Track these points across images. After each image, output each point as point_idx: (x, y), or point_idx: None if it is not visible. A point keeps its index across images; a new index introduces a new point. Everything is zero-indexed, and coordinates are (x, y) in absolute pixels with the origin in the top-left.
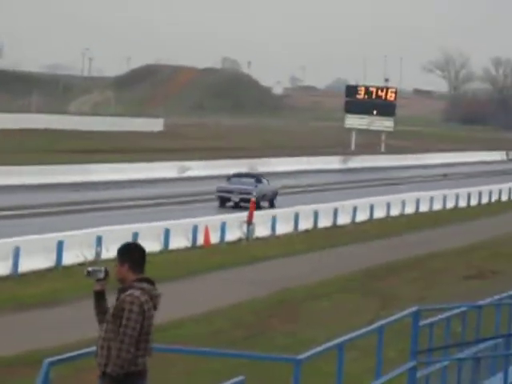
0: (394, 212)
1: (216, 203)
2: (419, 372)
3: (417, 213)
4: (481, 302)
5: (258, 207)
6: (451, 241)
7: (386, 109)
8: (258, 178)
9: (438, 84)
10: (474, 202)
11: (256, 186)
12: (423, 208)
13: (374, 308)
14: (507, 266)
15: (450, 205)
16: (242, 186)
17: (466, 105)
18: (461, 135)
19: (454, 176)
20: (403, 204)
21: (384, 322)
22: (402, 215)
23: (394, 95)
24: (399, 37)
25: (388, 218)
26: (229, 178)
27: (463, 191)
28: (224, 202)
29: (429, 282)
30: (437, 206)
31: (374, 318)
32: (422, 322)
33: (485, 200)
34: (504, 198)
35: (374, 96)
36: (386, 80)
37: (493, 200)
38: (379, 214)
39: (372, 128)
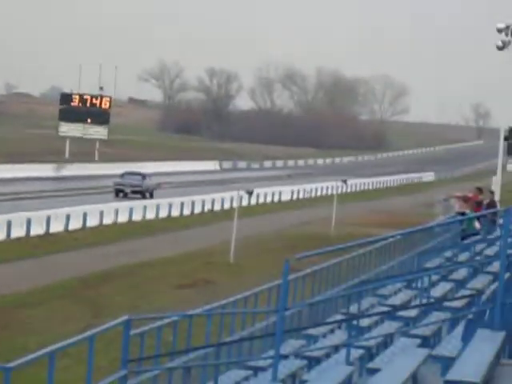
0: (108, 220)
1: None
2: (130, 381)
3: (130, 221)
4: (191, 312)
5: (144, 197)
6: (165, 250)
7: (100, 117)
8: (143, 175)
9: (154, 93)
10: (187, 212)
11: (143, 181)
12: (136, 217)
13: (86, 316)
14: (219, 276)
15: (163, 214)
16: (132, 182)
17: (181, 114)
18: (175, 144)
19: (167, 185)
20: (116, 212)
21: (95, 330)
22: (115, 224)
23: (108, 103)
24: (115, 45)
25: (101, 227)
26: (121, 175)
27: (176, 200)
28: (118, 193)
29: (142, 290)
30: (150, 215)
31: (87, 326)
32: (134, 331)
33: (198, 209)
34: (217, 207)
35: (88, 104)
36: (101, 88)
37: (206, 210)
38: (93, 222)
39: (86, 136)
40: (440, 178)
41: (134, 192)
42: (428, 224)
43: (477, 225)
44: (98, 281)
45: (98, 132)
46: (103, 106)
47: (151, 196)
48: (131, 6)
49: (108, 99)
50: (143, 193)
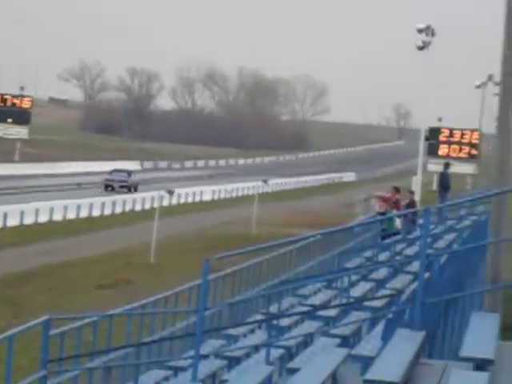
0: (28, 220)
1: None
2: (50, 381)
3: (51, 221)
4: (112, 312)
5: (130, 191)
6: (86, 250)
7: (21, 117)
8: (129, 172)
9: (75, 93)
10: (108, 212)
11: (129, 178)
12: (57, 217)
13: (7, 316)
14: (140, 276)
15: (84, 214)
16: (120, 178)
17: (102, 114)
18: (96, 144)
19: (89, 185)
20: (37, 212)
21: (14, 330)
22: (36, 224)
23: (29, 103)
24: (35, 45)
25: (21, 227)
26: (110, 172)
27: (97, 200)
28: (107, 188)
29: (63, 290)
30: (71, 215)
31: (7, 326)
32: (53, 331)
33: (119, 210)
34: (138, 207)
35: (9, 104)
36: (22, 88)
37: (127, 210)
38: (13, 222)
39: (7, 136)
40: (361, 178)
41: (121, 187)
42: (348, 224)
43: (398, 224)
44: (18, 281)
45: (19, 132)
46: (24, 105)
47: (135, 190)
48: (53, 5)
49: (29, 99)
50: (129, 187)
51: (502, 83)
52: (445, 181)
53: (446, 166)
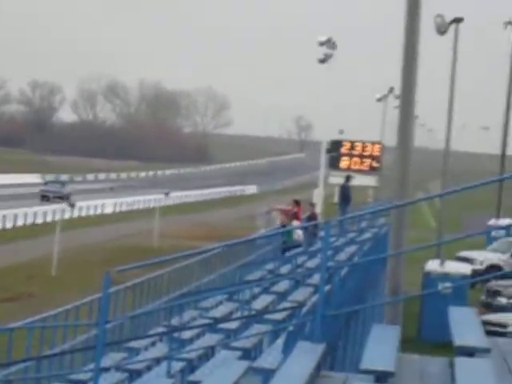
0: None
1: None
2: None
3: None
4: (12, 325)
5: (63, 201)
6: None
7: None
8: (62, 183)
9: None
10: (9, 225)
11: (62, 188)
12: None
13: None
14: (41, 288)
15: None
16: (55, 189)
17: (4, 126)
18: None
19: None
20: None
21: None
22: None
23: None
24: None
25: None
26: (45, 183)
27: None
28: (43, 198)
29: None
30: None
31: None
32: None
33: (20, 223)
34: (39, 220)
35: None
36: None
37: (28, 223)
38: None
39: None
40: (262, 191)
41: (55, 197)
42: (250, 236)
43: (298, 236)
44: None
45: None
46: None
47: (68, 199)
48: None
49: None
50: (62, 197)
51: (401, 96)
52: (346, 193)
53: (347, 178)
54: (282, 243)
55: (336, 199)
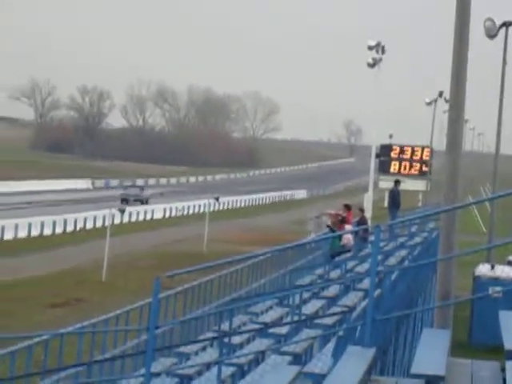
0: None
1: None
2: None
3: (1, 240)
4: (62, 330)
5: (142, 204)
6: (37, 269)
7: None
8: (141, 187)
9: (26, 112)
10: (59, 230)
11: (141, 192)
12: (8, 236)
13: None
14: (91, 294)
15: (35, 233)
16: (135, 193)
17: (53, 132)
18: (47, 163)
19: (38, 204)
20: None
21: None
22: None
23: None
24: None
25: None
26: (125, 187)
27: (48, 219)
28: (123, 201)
29: (14, 310)
30: (22, 234)
31: None
32: (3, 351)
33: (70, 228)
34: (89, 225)
35: None
36: None
37: (78, 228)
38: None
39: None
40: (312, 196)
41: (135, 200)
42: (300, 241)
43: (344, 240)
44: None
45: None
46: None
47: (147, 203)
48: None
49: None
50: (141, 201)
51: (450, 100)
52: (395, 198)
53: (396, 183)
54: (329, 249)
55: (386, 203)
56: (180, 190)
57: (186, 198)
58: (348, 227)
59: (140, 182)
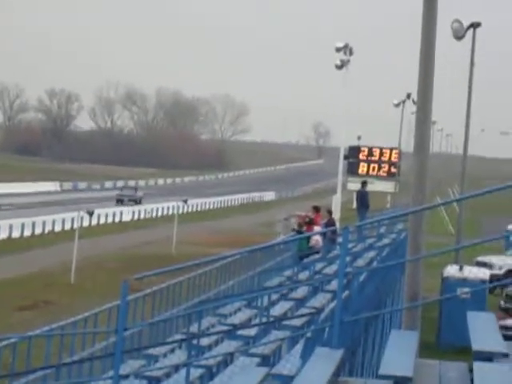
0: None
1: None
2: None
3: None
4: (31, 333)
5: (136, 204)
6: (5, 271)
7: None
8: (135, 188)
9: None
10: (27, 233)
11: (135, 193)
12: None
13: None
14: (59, 296)
15: (3, 235)
16: (129, 193)
17: (21, 135)
18: (15, 165)
19: (7, 207)
20: None
21: None
22: None
23: None
24: None
25: None
26: (121, 189)
27: (17, 222)
28: (118, 202)
29: None
30: None
31: None
32: None
33: (38, 231)
34: (58, 228)
35: None
36: None
37: (46, 231)
38: None
39: None
40: (281, 197)
41: (129, 200)
42: (268, 243)
43: (312, 242)
44: None
45: None
46: None
47: (140, 203)
48: None
49: None
50: (135, 200)
51: (418, 102)
52: (363, 199)
53: (363, 184)
54: (297, 250)
55: (354, 205)
56: (149, 192)
57: (154, 200)
58: (317, 229)
59: (109, 184)
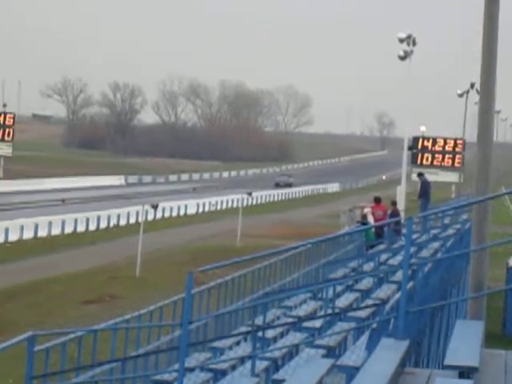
0: (13, 237)
1: None
2: None
3: (36, 238)
4: (96, 327)
5: (290, 187)
6: (71, 265)
7: (4, 134)
8: (289, 175)
9: (57, 109)
10: (92, 227)
11: (289, 179)
12: (42, 233)
13: None
14: (124, 290)
15: (68, 230)
16: (285, 179)
17: (85, 129)
18: (80, 160)
19: (73, 201)
20: (22, 229)
21: None
22: (20, 240)
23: (12, 120)
24: (17, 60)
25: (7, 244)
26: (279, 176)
27: (82, 216)
28: (276, 185)
29: (48, 306)
30: (55, 231)
31: None
32: (38, 347)
33: (103, 225)
34: (123, 222)
35: None
36: (4, 105)
37: (111, 224)
38: None
39: None
40: (345, 189)
41: (285, 185)
42: (333, 234)
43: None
44: (2, 297)
45: (2, 149)
46: (7, 122)
47: (292, 186)
48: (32, 21)
49: (11, 116)
50: (290, 185)
51: (481, 91)
52: (424, 189)
53: (419, 175)
54: (364, 241)
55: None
56: (213, 184)
57: (219, 192)
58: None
59: (173, 177)
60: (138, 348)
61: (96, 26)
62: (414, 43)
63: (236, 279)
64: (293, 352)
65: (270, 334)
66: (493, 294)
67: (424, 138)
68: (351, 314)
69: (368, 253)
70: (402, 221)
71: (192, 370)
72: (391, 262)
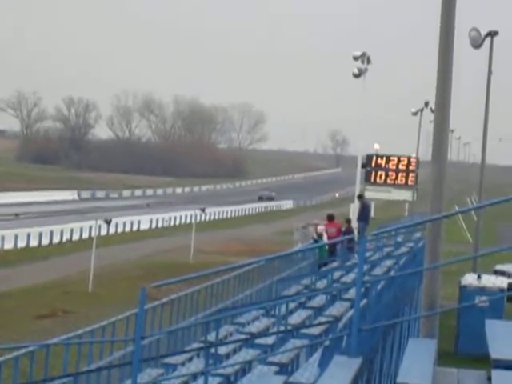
0: None
1: None
2: None
3: None
4: (49, 341)
5: (271, 200)
6: (23, 280)
7: None
8: (270, 191)
9: (11, 123)
10: (45, 242)
11: (271, 193)
12: None
13: None
14: (78, 305)
15: (21, 244)
16: (267, 193)
17: (39, 144)
18: (33, 174)
19: (26, 215)
20: None
21: None
22: None
23: None
24: None
25: None
26: (262, 191)
27: (35, 230)
28: (259, 199)
29: (1, 321)
30: (8, 246)
31: None
32: None
33: (56, 239)
34: (76, 237)
35: None
36: None
37: (64, 239)
38: None
39: None
40: (299, 206)
41: (267, 198)
42: (286, 251)
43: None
44: None
45: None
46: None
47: (273, 200)
48: None
49: None
50: (271, 199)
51: (435, 110)
52: (364, 212)
53: (360, 197)
54: (318, 258)
55: (373, 213)
56: (166, 200)
57: (172, 208)
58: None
59: (126, 193)
60: (91, 363)
61: (51, 40)
62: (369, 61)
63: (189, 295)
64: (245, 368)
65: (222, 350)
66: (445, 312)
67: (378, 156)
68: (304, 331)
69: (321, 270)
70: (356, 238)
71: None
72: (344, 279)
